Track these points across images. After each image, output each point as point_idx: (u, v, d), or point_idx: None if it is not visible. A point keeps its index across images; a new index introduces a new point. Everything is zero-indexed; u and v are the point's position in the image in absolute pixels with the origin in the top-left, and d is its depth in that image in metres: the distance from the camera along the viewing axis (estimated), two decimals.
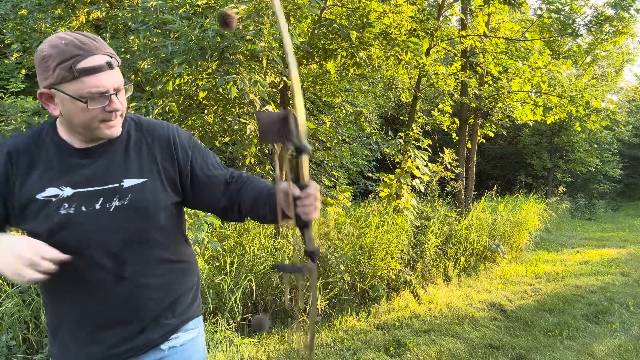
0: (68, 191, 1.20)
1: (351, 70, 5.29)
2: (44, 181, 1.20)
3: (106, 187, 1.22)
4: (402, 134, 6.46)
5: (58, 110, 1.18)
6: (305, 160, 1.11)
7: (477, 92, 7.99)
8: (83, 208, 1.20)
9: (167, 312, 1.34)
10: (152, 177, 1.28)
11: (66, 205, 1.19)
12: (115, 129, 1.22)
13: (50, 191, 1.19)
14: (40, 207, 1.18)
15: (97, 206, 1.21)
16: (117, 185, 1.23)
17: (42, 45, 1.15)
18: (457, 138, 8.83)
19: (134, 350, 1.29)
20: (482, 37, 7.51)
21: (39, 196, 1.19)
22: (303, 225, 1.18)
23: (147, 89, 3.95)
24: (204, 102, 4.26)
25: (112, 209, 1.22)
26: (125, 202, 1.23)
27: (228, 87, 3.38)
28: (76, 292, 1.23)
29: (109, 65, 1.15)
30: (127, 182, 1.25)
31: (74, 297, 1.24)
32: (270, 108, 4.22)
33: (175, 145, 1.32)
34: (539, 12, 12.17)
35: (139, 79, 3.93)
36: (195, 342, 1.43)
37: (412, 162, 5.88)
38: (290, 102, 5.19)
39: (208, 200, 1.36)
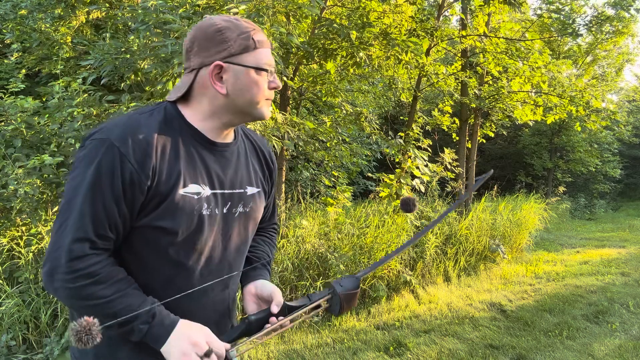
0: (207, 190, 1.10)
1: (351, 70, 5.29)
2: (187, 175, 1.07)
3: (234, 191, 1.17)
4: (402, 134, 6.46)
5: (225, 90, 1.09)
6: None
7: (477, 92, 7.99)
8: (217, 211, 1.12)
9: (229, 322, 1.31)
10: (261, 188, 1.26)
11: (205, 205, 1.09)
12: (270, 110, 1.21)
13: (193, 188, 1.08)
14: (181, 203, 1.05)
15: (225, 210, 1.15)
16: (242, 191, 1.19)
17: (210, 21, 1.10)
18: (457, 138, 8.83)
19: None
20: (482, 37, 7.51)
21: (181, 191, 1.06)
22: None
23: (147, 89, 3.94)
24: None
25: (236, 215, 1.17)
26: (247, 210, 1.20)
27: None
28: (187, 300, 1.11)
29: (269, 44, 1.15)
30: (249, 190, 1.21)
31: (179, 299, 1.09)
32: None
33: (273, 165, 1.33)
34: (539, 12, 12.18)
35: (139, 79, 3.93)
36: None
37: (412, 162, 5.88)
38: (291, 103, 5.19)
39: None
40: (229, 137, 1.19)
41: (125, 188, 1.00)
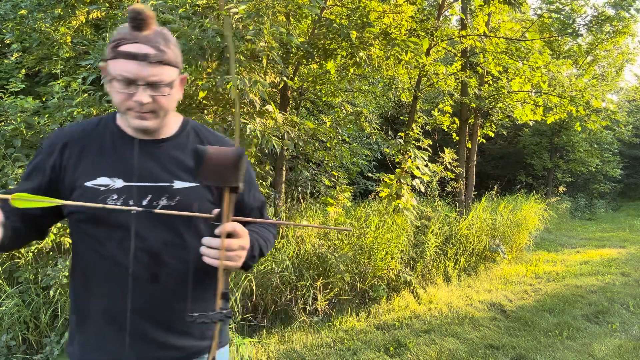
0: (119, 182, 1.19)
1: (351, 70, 5.28)
2: (96, 169, 1.19)
3: (156, 184, 1.21)
4: (402, 134, 6.46)
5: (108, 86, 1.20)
6: (232, 197, 1.04)
7: (477, 92, 7.99)
8: (131, 202, 1.18)
9: (196, 331, 1.28)
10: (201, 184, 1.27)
11: (115, 196, 1.18)
12: (146, 122, 1.18)
13: (101, 180, 1.19)
14: (87, 194, 1.17)
15: (145, 202, 1.19)
16: (167, 184, 1.22)
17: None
18: (457, 138, 8.83)
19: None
20: (482, 37, 7.51)
21: (88, 184, 1.18)
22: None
23: None
24: (204, 102, 4.26)
25: (158, 207, 1.20)
26: (173, 203, 1.21)
27: (228, 87, 3.37)
28: (110, 286, 1.20)
29: (146, 57, 1.13)
30: (178, 184, 1.23)
31: (106, 290, 1.20)
32: (270, 108, 4.21)
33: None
34: (539, 12, 12.18)
35: None
36: (223, 352, 1.40)
37: (412, 162, 5.87)
38: (289, 106, 5.18)
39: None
40: (162, 133, 1.26)
41: (39, 175, 1.22)
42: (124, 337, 1.21)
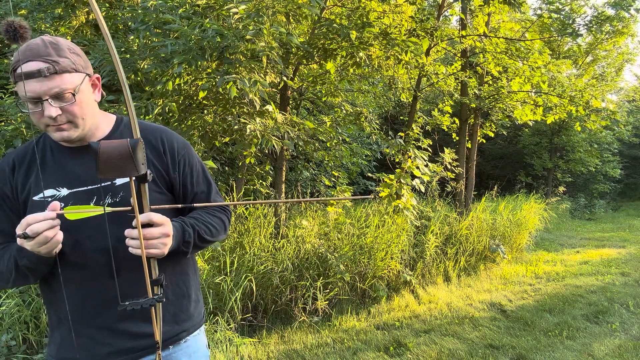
0: (64, 191, 1.24)
1: (351, 70, 5.28)
2: (40, 183, 1.25)
3: (98, 185, 1.26)
4: (402, 134, 6.46)
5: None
6: (146, 188, 1.09)
7: (477, 92, 7.99)
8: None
9: (167, 315, 1.34)
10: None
11: (62, 205, 1.22)
12: (66, 133, 1.22)
13: (48, 192, 1.24)
14: (37, 208, 1.22)
15: (92, 204, 1.24)
16: (109, 183, 1.26)
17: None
18: (457, 138, 8.82)
19: (132, 352, 1.28)
20: (482, 37, 7.51)
21: (35, 198, 1.24)
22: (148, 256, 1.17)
23: (147, 88, 3.94)
24: (204, 102, 4.26)
25: (107, 206, 1.24)
26: (117, 200, 1.26)
27: (228, 87, 3.37)
28: (76, 288, 1.25)
29: (40, 72, 1.15)
30: (119, 180, 1.27)
31: (73, 293, 1.25)
32: (270, 108, 4.21)
33: (164, 147, 1.35)
34: (539, 12, 12.17)
35: (138, 78, 3.93)
36: (198, 339, 1.44)
37: (412, 162, 5.87)
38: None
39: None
40: (94, 136, 1.30)
41: (0, 204, 1.27)
42: (94, 334, 1.26)
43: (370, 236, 4.96)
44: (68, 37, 5.29)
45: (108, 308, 1.25)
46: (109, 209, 1.17)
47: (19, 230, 1.09)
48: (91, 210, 1.19)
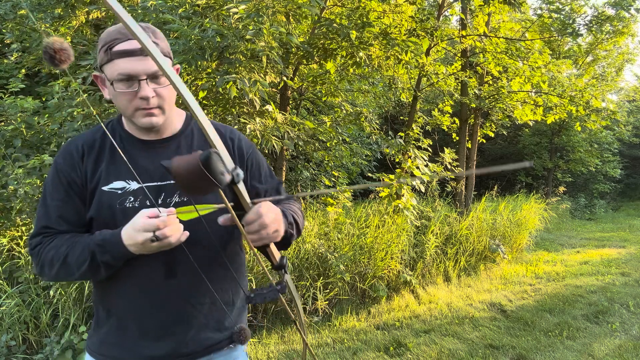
0: (134, 185, 1.22)
1: (351, 70, 5.28)
2: (110, 174, 1.22)
3: (168, 182, 1.22)
4: (402, 134, 6.46)
5: (107, 94, 1.20)
6: (240, 188, 1.04)
7: (477, 92, 7.99)
8: (147, 202, 1.20)
9: (213, 322, 1.30)
10: None
11: (131, 198, 1.20)
12: (154, 118, 1.19)
13: (117, 184, 1.21)
14: (105, 198, 1.20)
15: (160, 201, 1.22)
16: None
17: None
18: (457, 138, 8.83)
19: (172, 358, 1.27)
20: (482, 37, 7.51)
21: (105, 188, 1.21)
22: (260, 247, 1.16)
23: None
24: (204, 102, 4.26)
25: (172, 204, 1.22)
26: (185, 199, 1.23)
27: (228, 86, 3.37)
28: (128, 285, 1.23)
29: (142, 51, 1.13)
30: None
31: (125, 289, 1.24)
32: (270, 108, 4.21)
33: (233, 146, 1.33)
34: (539, 12, 12.16)
35: None
36: (241, 352, 1.41)
37: (412, 162, 5.87)
38: (289, 105, 5.18)
39: None
40: (167, 132, 1.28)
41: (66, 189, 1.23)
42: (141, 334, 1.24)
43: (370, 236, 4.95)
44: (68, 38, 5.30)
45: (159, 309, 1.23)
46: (219, 206, 1.12)
47: (147, 233, 1.06)
48: (206, 209, 1.14)
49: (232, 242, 1.34)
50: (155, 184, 1.22)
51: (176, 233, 1.09)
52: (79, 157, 1.24)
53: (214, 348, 1.32)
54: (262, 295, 1.13)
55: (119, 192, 1.20)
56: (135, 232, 1.08)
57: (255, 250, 1.17)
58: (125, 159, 1.15)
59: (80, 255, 1.15)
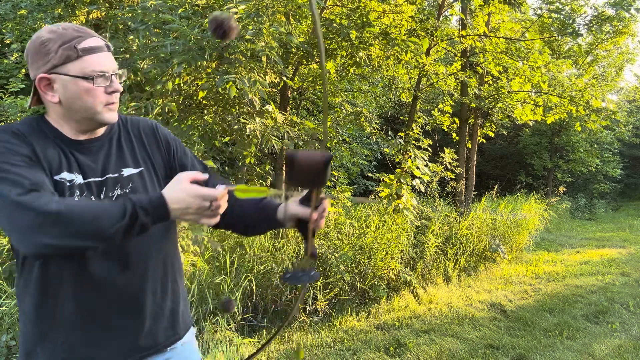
0: (80, 179, 1.19)
1: (351, 70, 5.29)
2: (61, 163, 1.17)
3: (108, 176, 1.23)
4: (402, 134, 6.46)
5: (57, 98, 1.15)
6: (319, 193, 1.14)
7: (477, 92, 7.99)
8: (92, 197, 1.19)
9: (167, 313, 1.32)
10: (146, 166, 1.30)
11: (78, 192, 1.17)
12: (114, 113, 1.22)
13: (66, 175, 1.17)
14: (57, 187, 1.14)
15: (102, 196, 1.21)
16: (117, 175, 1.24)
17: (38, 34, 1.15)
18: (457, 138, 8.82)
19: (137, 351, 1.26)
20: (482, 37, 7.51)
21: (56, 177, 1.15)
22: (312, 234, 1.24)
23: (146, 88, 3.94)
24: (204, 102, 4.26)
25: (114, 198, 1.22)
26: (127, 191, 1.24)
27: (227, 86, 3.37)
28: (79, 285, 1.18)
29: (107, 48, 1.18)
30: (126, 172, 1.26)
31: (75, 291, 1.18)
32: (270, 108, 4.21)
33: (159, 134, 1.36)
34: (539, 12, 12.17)
35: (138, 78, 3.93)
36: (193, 341, 1.44)
37: (412, 162, 5.87)
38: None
39: None
40: (97, 132, 1.26)
41: (27, 159, 1.10)
42: (95, 334, 1.21)
43: (370, 236, 4.95)
44: None
45: (113, 305, 1.21)
46: (272, 192, 1.17)
47: (205, 202, 1.07)
48: (260, 191, 1.14)
49: (173, 233, 1.38)
50: (97, 179, 1.21)
51: (223, 209, 1.11)
52: (22, 137, 1.13)
53: (170, 342, 1.33)
54: (297, 277, 1.18)
55: (68, 184, 1.16)
56: (190, 197, 1.07)
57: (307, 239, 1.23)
58: (67, 153, 1.16)
59: (117, 209, 1.04)
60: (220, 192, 1.08)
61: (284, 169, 1.08)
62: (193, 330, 1.47)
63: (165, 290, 1.32)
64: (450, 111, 8.73)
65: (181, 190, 1.08)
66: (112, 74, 1.18)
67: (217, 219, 1.12)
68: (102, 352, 1.22)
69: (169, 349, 1.34)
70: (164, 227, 1.29)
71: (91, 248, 1.10)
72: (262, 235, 4.48)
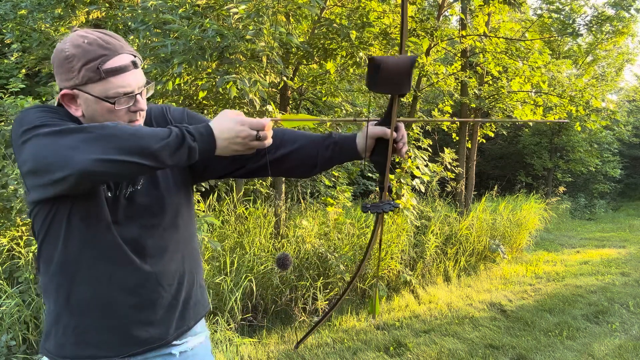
0: None
1: (351, 70, 5.28)
2: None
3: None
4: None
5: (80, 112, 1.15)
6: (398, 102, 1.15)
7: (477, 92, 7.99)
8: (109, 194, 1.20)
9: (180, 305, 1.32)
10: None
11: (104, 186, 1.18)
12: None
13: None
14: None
15: (117, 192, 1.21)
16: None
17: (63, 44, 1.11)
18: (457, 138, 8.82)
19: (147, 343, 1.25)
20: (482, 37, 7.51)
21: None
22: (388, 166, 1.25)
23: None
24: (204, 102, 4.26)
25: (126, 196, 1.23)
26: (139, 187, 1.24)
27: (228, 86, 3.37)
28: (94, 271, 1.19)
29: (134, 65, 1.14)
30: None
31: (90, 276, 1.19)
32: (270, 108, 4.21)
33: (169, 117, 1.34)
34: (539, 12, 12.17)
35: None
36: (205, 346, 1.43)
37: (412, 162, 5.87)
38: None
39: (220, 165, 1.33)
40: None
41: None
42: (107, 322, 1.21)
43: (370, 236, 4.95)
44: None
45: (127, 296, 1.22)
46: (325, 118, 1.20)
47: (252, 130, 1.10)
48: (305, 119, 1.20)
49: (190, 225, 1.37)
50: None
51: (270, 138, 1.14)
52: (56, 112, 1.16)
53: (182, 333, 1.32)
54: (379, 206, 1.22)
55: None
56: (239, 125, 1.09)
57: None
58: None
59: (163, 131, 1.06)
60: (267, 121, 1.11)
61: (366, 76, 1.07)
62: (206, 332, 1.45)
63: (182, 282, 1.31)
64: (450, 111, 8.73)
65: (228, 120, 1.10)
66: (137, 93, 1.15)
67: (267, 143, 1.14)
68: (112, 340, 1.22)
69: (178, 353, 1.32)
70: (182, 221, 1.31)
71: (142, 167, 1.04)
72: (262, 235, 4.48)
